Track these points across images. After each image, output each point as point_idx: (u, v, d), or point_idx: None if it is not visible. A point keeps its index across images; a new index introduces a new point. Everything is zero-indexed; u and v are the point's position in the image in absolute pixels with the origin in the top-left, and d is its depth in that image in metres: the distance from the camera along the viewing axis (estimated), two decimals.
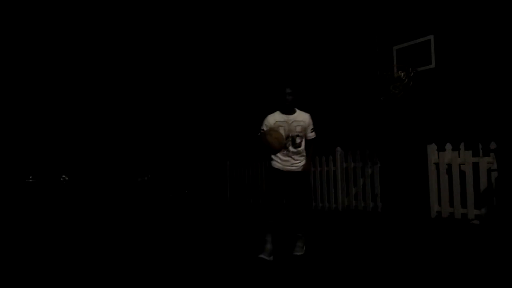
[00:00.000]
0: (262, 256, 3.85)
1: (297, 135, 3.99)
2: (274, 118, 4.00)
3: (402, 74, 7.23)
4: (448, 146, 6.23)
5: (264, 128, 3.99)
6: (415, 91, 7.24)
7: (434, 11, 7.59)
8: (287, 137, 3.96)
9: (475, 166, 5.84)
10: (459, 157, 6.07)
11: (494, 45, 6.82)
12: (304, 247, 4.17)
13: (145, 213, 9.18)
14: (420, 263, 3.79)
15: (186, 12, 12.92)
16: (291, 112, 4.02)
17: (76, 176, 15.10)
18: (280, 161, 4.00)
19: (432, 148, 6.37)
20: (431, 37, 7.31)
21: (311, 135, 4.10)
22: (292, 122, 3.98)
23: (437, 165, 6.30)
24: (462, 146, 6.29)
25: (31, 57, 13.52)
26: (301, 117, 4.04)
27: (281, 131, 3.93)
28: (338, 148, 7.86)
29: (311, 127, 4.08)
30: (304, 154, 4.07)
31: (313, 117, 4.11)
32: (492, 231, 5.27)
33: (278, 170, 4.00)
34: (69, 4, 13.12)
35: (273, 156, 4.02)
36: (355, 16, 9.04)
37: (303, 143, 4.05)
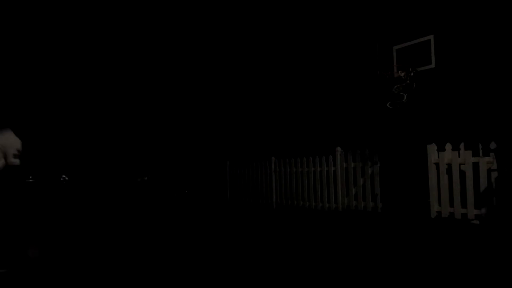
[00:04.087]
0: None
1: None
2: None
3: (403, 74, 7.24)
4: (448, 146, 6.23)
5: None
6: (417, 91, 7.25)
7: (434, 11, 7.59)
8: None
9: (475, 166, 5.84)
10: (459, 157, 6.08)
11: (494, 45, 6.82)
12: None
13: (147, 213, 9.18)
14: (420, 263, 3.79)
15: (185, 12, 12.93)
16: None
17: (76, 176, 15.08)
18: None
19: (432, 148, 6.37)
20: (431, 37, 7.32)
21: None
22: None
23: (437, 165, 6.30)
24: (462, 146, 6.29)
25: (30, 57, 13.52)
26: None
27: None
28: (338, 148, 7.86)
29: None
30: None
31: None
32: (492, 231, 5.27)
33: None
34: (69, 4, 13.13)
35: None
36: (355, 16, 9.04)
37: None
